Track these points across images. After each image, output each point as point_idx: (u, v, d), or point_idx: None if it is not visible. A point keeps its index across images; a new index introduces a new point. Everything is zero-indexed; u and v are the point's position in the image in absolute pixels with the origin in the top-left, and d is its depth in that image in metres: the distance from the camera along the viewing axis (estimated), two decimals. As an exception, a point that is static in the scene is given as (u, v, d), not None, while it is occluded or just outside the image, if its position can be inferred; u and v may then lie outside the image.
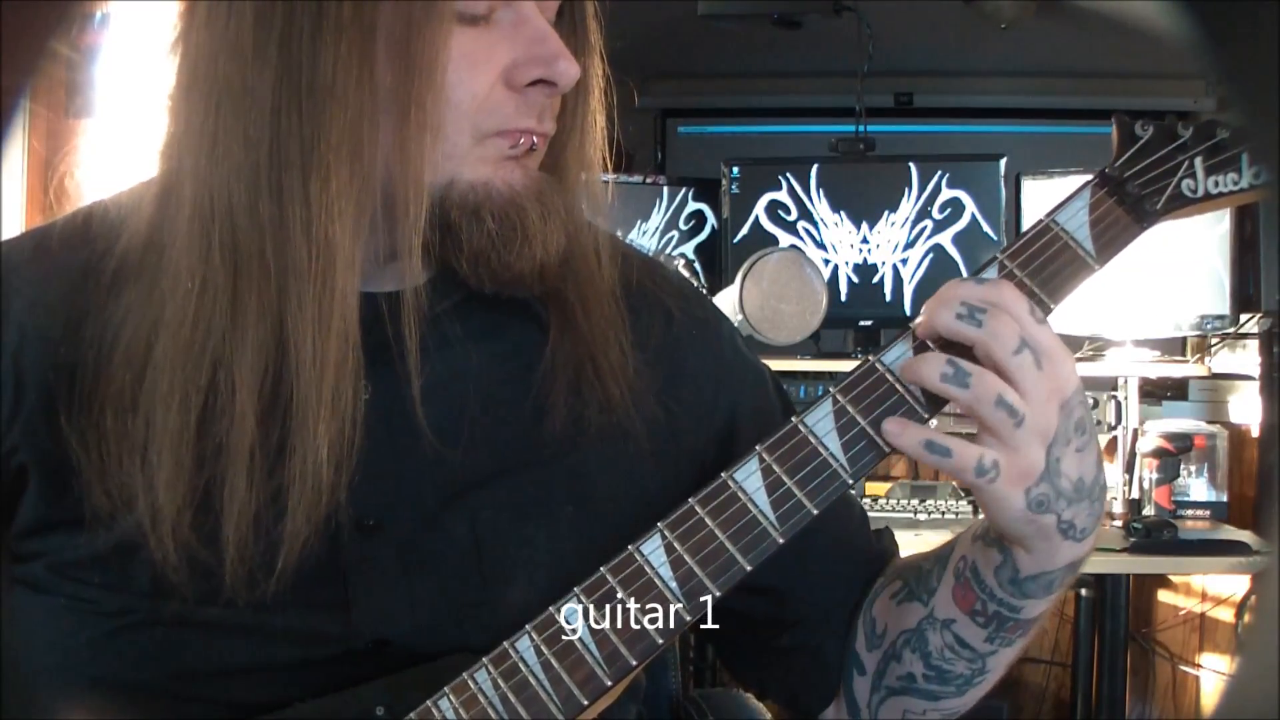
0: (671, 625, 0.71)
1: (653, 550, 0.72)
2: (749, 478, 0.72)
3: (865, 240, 2.76)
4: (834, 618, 0.87)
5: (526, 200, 0.75)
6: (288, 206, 0.69)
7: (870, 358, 0.74)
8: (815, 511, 0.72)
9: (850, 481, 0.73)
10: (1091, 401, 2.66)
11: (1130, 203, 0.76)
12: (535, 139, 0.75)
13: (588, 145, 0.81)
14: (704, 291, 0.95)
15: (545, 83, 0.74)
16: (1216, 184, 0.76)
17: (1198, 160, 0.76)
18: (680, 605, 0.71)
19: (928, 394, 0.72)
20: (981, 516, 0.76)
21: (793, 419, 0.73)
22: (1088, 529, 0.74)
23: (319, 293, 0.69)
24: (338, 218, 0.69)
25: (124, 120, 2.24)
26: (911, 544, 2.40)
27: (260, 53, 0.69)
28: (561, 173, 0.80)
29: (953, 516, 2.53)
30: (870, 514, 2.85)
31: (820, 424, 0.72)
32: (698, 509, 0.72)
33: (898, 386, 0.73)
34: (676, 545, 0.72)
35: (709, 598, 0.71)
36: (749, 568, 0.71)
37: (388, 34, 0.69)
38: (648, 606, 0.71)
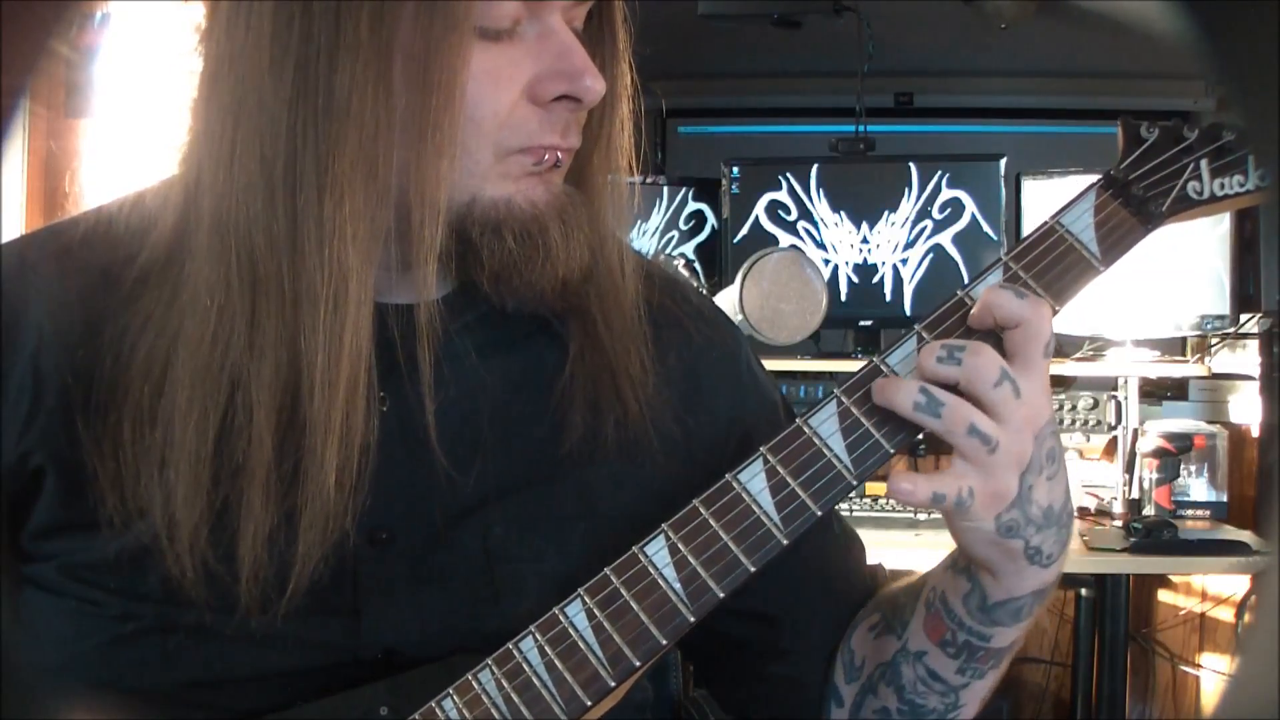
0: (675, 626, 0.71)
1: (657, 551, 0.72)
2: (753, 479, 0.72)
3: (865, 240, 2.76)
4: (820, 650, 0.86)
5: (549, 218, 0.73)
6: (302, 227, 0.68)
7: (875, 359, 0.74)
8: (819, 513, 0.72)
9: (854, 483, 0.72)
10: (1091, 401, 2.67)
11: (1135, 205, 0.76)
12: (559, 154, 0.74)
13: (614, 154, 0.80)
14: (722, 312, 0.94)
15: (570, 98, 0.72)
16: (1222, 186, 0.76)
17: (1203, 162, 0.76)
18: (684, 606, 0.71)
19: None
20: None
21: (797, 420, 0.73)
22: (1054, 555, 0.74)
23: (330, 316, 0.68)
24: (351, 240, 0.68)
25: (124, 120, 2.24)
26: (911, 544, 2.42)
27: (276, 70, 0.67)
28: (587, 182, 0.79)
29: (953, 516, 2.53)
30: (870, 514, 2.82)
31: (824, 425, 0.72)
32: (701, 510, 0.72)
33: None
34: (680, 546, 0.72)
35: (713, 599, 0.71)
36: (753, 569, 0.71)
37: (406, 53, 0.68)
38: (651, 607, 0.71)
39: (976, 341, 0.70)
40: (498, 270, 0.73)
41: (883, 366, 0.73)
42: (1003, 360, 0.69)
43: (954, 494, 0.70)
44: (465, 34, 0.69)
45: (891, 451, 0.72)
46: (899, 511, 2.53)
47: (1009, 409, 0.69)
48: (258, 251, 0.69)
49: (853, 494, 2.54)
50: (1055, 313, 0.74)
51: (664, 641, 0.71)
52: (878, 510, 2.53)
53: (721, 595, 0.71)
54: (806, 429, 0.72)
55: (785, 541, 0.72)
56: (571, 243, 0.74)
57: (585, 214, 0.76)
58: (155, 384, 0.71)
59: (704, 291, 0.93)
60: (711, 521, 0.72)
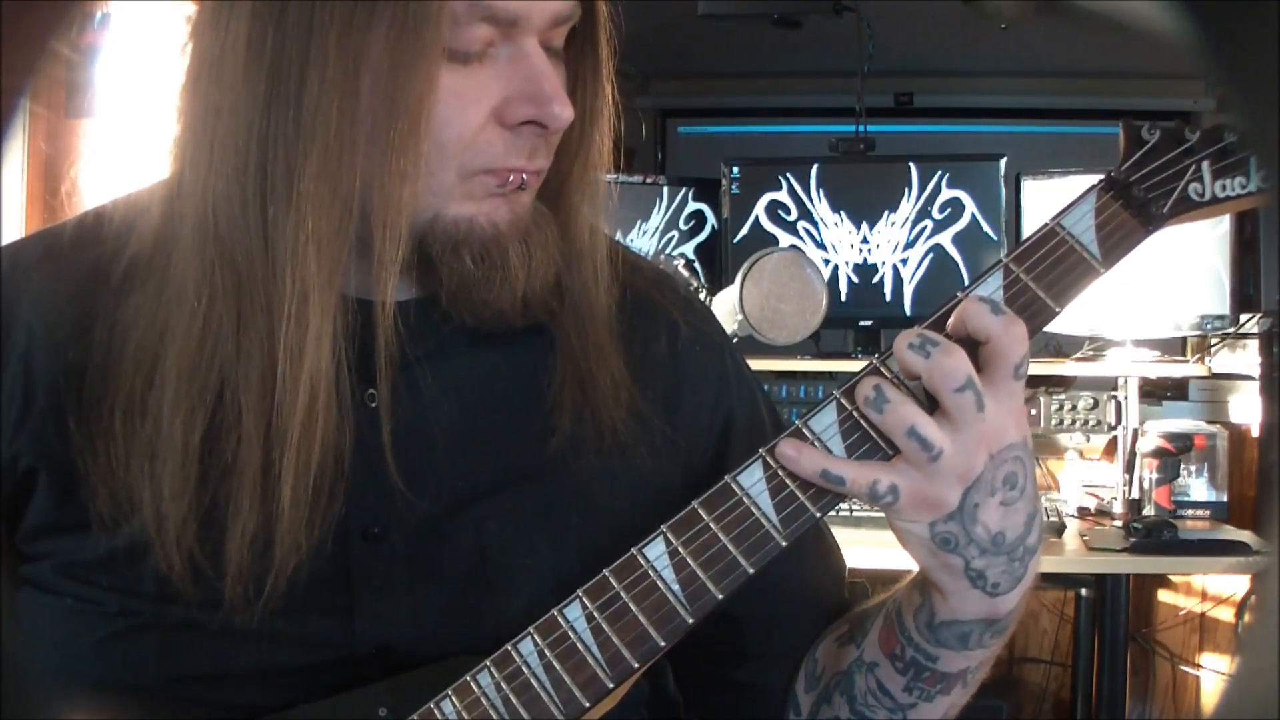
0: (673, 628, 0.71)
1: (656, 554, 0.72)
2: (754, 482, 0.72)
3: (865, 240, 2.76)
4: (784, 659, 0.86)
5: (509, 239, 0.73)
6: (272, 236, 0.69)
7: (875, 360, 0.73)
8: (818, 515, 0.72)
9: None
10: (1091, 401, 2.67)
11: (1136, 206, 0.75)
12: (525, 177, 0.74)
13: (591, 173, 0.80)
14: (708, 305, 0.95)
15: (537, 123, 0.72)
16: (1224, 187, 0.75)
17: (1205, 164, 0.75)
18: (683, 608, 0.71)
19: (932, 397, 0.71)
20: None
21: (796, 422, 0.73)
22: (1002, 585, 0.73)
23: (293, 330, 0.69)
24: (314, 257, 0.68)
25: (124, 120, 2.24)
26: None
27: (251, 77, 0.68)
28: (564, 200, 0.79)
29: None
30: (871, 514, 2.81)
31: (825, 429, 0.72)
32: (701, 512, 0.72)
33: (901, 389, 0.72)
34: (680, 549, 0.72)
35: (712, 600, 0.71)
36: (751, 570, 0.71)
37: (375, 73, 0.68)
38: (650, 609, 0.71)
39: (951, 342, 0.69)
40: (455, 288, 0.73)
41: (883, 369, 0.73)
42: (972, 368, 0.68)
43: (863, 484, 0.70)
44: (435, 59, 0.68)
45: (891, 454, 0.71)
46: (899, 511, 2.53)
47: (967, 418, 0.68)
48: (238, 256, 0.69)
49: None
50: (1055, 314, 0.74)
51: (662, 643, 0.71)
52: (877, 510, 2.52)
53: (720, 597, 0.71)
54: (807, 431, 0.72)
55: (784, 543, 0.71)
56: (534, 263, 0.74)
57: (552, 233, 0.76)
58: (146, 376, 0.71)
59: (703, 291, 0.93)
60: (711, 524, 0.72)
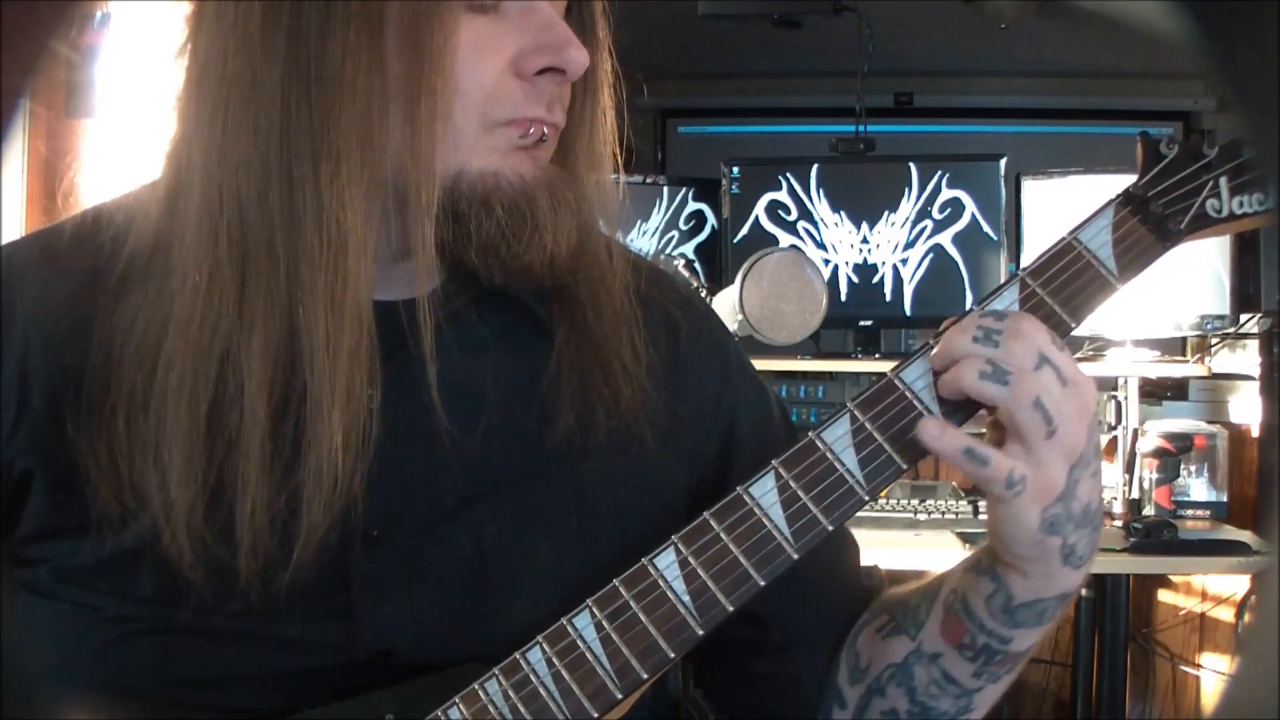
0: (683, 639, 0.71)
1: (667, 564, 0.71)
2: (765, 493, 0.72)
3: (865, 240, 2.76)
4: (813, 648, 0.86)
5: (536, 190, 0.74)
6: (298, 195, 0.69)
7: (889, 374, 0.73)
8: (830, 528, 0.72)
9: (866, 498, 0.72)
10: (1091, 401, 2.68)
11: (1154, 222, 0.75)
12: (545, 129, 0.75)
13: (597, 142, 0.80)
14: (709, 304, 0.94)
15: (554, 70, 0.73)
16: (1241, 204, 0.75)
17: (1222, 180, 0.75)
18: (693, 619, 0.71)
19: (947, 413, 0.71)
20: (970, 548, 0.75)
21: (809, 434, 0.73)
22: (1085, 556, 0.73)
23: (330, 280, 0.69)
24: (349, 204, 0.69)
25: (125, 120, 2.24)
26: (911, 544, 2.42)
27: (269, 45, 0.68)
28: (571, 169, 0.79)
29: (952, 516, 2.53)
30: (870, 514, 2.82)
31: (838, 440, 0.72)
32: (713, 523, 0.72)
33: (916, 404, 0.72)
34: (691, 559, 0.71)
35: (722, 612, 0.71)
36: (763, 583, 0.71)
37: (397, 22, 0.69)
38: (660, 620, 0.71)
39: (1016, 318, 0.69)
40: (486, 244, 0.73)
41: (897, 381, 0.72)
42: (1045, 341, 0.68)
43: (1003, 471, 0.69)
44: (454, 4, 0.70)
45: (905, 467, 0.71)
46: (898, 512, 2.53)
47: (1057, 393, 0.68)
48: (248, 224, 0.69)
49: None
50: (1070, 330, 0.74)
51: (672, 655, 0.71)
52: (877, 510, 2.52)
53: (731, 609, 0.71)
54: (820, 443, 0.72)
55: (795, 556, 0.71)
56: (560, 216, 0.74)
57: (574, 193, 0.77)
58: (148, 371, 0.71)
59: (703, 291, 0.93)
60: (723, 535, 0.71)
